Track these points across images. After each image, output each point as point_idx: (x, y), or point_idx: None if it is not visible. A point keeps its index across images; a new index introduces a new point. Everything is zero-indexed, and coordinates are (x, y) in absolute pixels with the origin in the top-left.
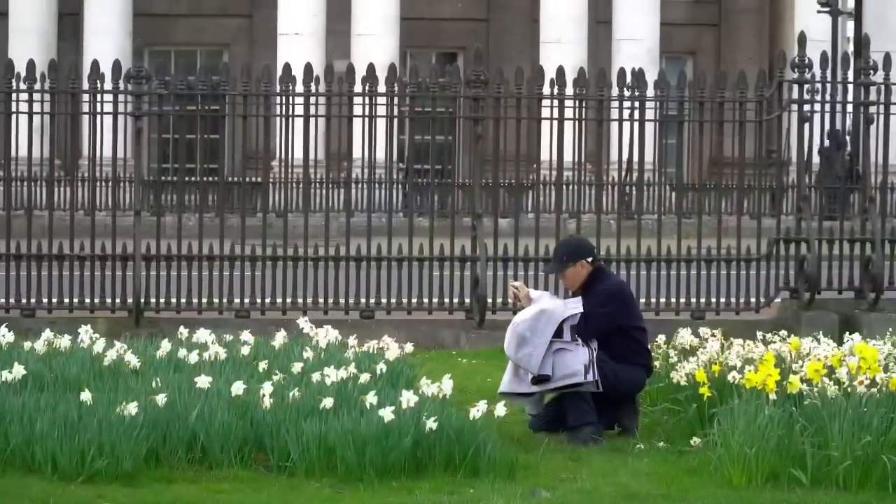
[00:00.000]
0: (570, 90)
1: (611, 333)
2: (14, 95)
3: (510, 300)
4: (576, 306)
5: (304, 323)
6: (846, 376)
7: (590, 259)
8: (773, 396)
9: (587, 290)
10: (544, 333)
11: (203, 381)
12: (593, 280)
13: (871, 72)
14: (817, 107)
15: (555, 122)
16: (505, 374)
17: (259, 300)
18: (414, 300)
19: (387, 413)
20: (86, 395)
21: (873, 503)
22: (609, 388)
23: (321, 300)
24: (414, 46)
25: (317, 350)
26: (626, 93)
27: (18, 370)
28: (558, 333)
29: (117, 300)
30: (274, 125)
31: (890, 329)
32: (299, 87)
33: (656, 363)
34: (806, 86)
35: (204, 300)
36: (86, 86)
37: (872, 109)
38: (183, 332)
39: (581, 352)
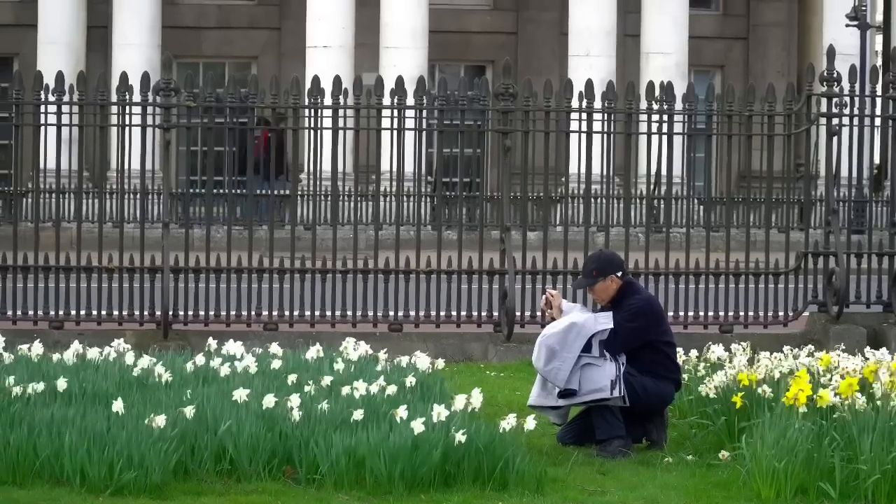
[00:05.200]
0: (598, 103)
1: (639, 347)
2: (43, 107)
3: (541, 306)
4: (606, 321)
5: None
6: (880, 390)
7: (619, 273)
8: (802, 410)
9: (616, 304)
10: (573, 347)
11: (240, 394)
12: (623, 294)
13: None
14: (846, 120)
15: (583, 136)
16: (534, 386)
17: (287, 313)
18: (442, 313)
19: (417, 424)
20: (117, 405)
21: None
22: (637, 402)
23: (349, 313)
24: (442, 60)
25: (347, 363)
26: (655, 106)
27: (61, 384)
28: (587, 348)
29: (146, 312)
30: (302, 138)
31: None
32: (328, 100)
33: (685, 376)
34: (835, 99)
35: (232, 313)
36: (114, 98)
37: None
38: (212, 344)
39: (608, 367)
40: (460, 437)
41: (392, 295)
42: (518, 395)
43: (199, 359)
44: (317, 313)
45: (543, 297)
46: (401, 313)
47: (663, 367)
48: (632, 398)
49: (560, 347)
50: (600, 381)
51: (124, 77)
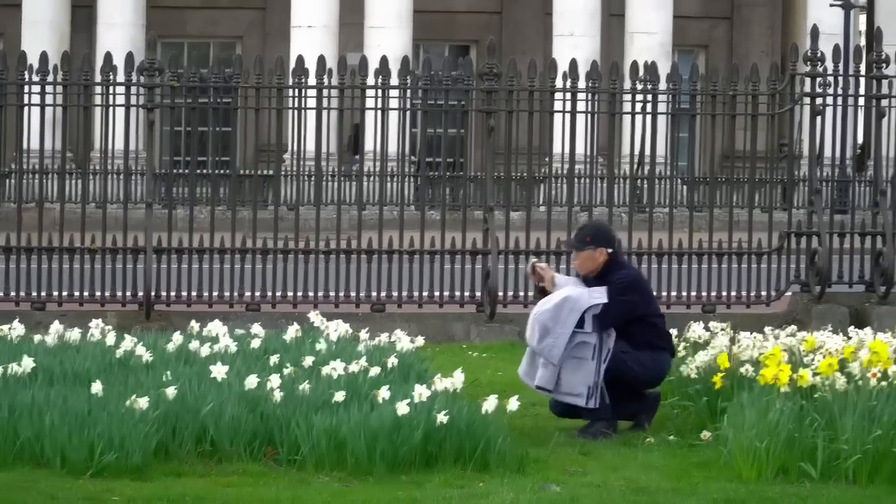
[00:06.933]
0: (582, 83)
1: (630, 323)
2: (27, 87)
3: (527, 271)
4: (600, 296)
5: (314, 316)
6: (858, 370)
7: (609, 250)
8: (783, 390)
9: (602, 279)
10: (567, 323)
11: (218, 371)
12: (609, 269)
13: (884, 65)
14: (829, 100)
15: (567, 116)
16: (523, 359)
17: (270, 293)
18: (425, 293)
19: (401, 406)
20: (96, 387)
21: (882, 497)
22: (635, 379)
23: (332, 293)
24: (427, 39)
25: (328, 343)
26: (639, 86)
27: (28, 363)
28: (580, 324)
29: (128, 293)
30: (286, 118)
31: None
32: (312, 80)
33: None
34: (818, 79)
35: (215, 293)
36: (98, 78)
37: (884, 103)
38: (194, 325)
39: (590, 367)
40: (442, 417)
41: (375, 275)
42: (500, 375)
43: (177, 337)
44: (299, 294)
45: (530, 264)
46: (384, 294)
47: (657, 338)
48: (629, 376)
49: (553, 324)
50: (577, 387)
51: (108, 57)
